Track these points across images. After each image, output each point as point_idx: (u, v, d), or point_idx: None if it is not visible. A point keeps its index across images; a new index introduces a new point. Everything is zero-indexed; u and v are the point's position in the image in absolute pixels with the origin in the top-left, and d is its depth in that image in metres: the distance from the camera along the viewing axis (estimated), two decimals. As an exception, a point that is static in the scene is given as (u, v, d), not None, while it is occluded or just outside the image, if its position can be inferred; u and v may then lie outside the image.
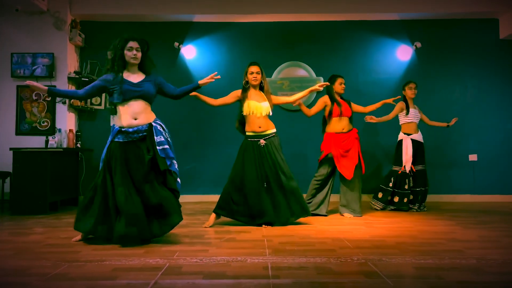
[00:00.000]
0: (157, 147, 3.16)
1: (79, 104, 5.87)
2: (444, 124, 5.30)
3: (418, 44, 6.08)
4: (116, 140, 3.21)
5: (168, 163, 3.21)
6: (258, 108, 3.93)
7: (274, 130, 4.03)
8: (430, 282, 2.14)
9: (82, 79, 5.83)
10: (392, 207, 4.98)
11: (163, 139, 3.21)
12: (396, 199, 4.96)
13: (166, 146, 3.21)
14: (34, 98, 5.78)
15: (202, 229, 3.77)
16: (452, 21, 6.21)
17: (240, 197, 3.93)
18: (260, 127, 3.95)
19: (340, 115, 4.52)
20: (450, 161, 6.12)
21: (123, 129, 3.20)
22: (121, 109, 3.24)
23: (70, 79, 5.83)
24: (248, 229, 3.76)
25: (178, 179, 3.33)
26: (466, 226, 3.85)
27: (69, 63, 5.87)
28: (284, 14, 6.05)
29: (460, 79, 6.19)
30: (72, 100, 5.80)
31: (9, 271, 2.40)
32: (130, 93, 3.18)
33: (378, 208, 5.02)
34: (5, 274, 2.34)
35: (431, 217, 4.45)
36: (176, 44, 6.11)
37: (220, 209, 3.99)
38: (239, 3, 5.96)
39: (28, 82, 3.16)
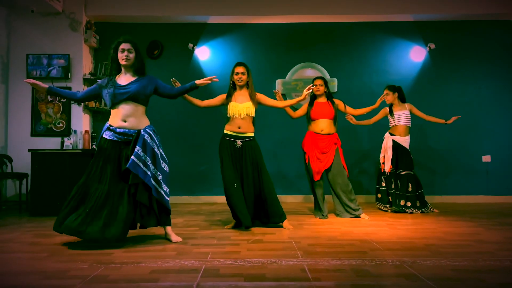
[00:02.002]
0: (131, 157, 3.10)
1: (94, 105, 5.87)
2: (442, 121, 5.13)
3: (432, 46, 6.10)
4: (104, 136, 3.24)
5: (142, 176, 3.11)
6: (238, 109, 3.86)
7: (252, 134, 3.95)
8: (472, 285, 2.16)
9: (97, 80, 5.83)
10: (393, 208, 4.92)
11: (139, 151, 3.12)
12: (390, 198, 4.96)
13: (136, 160, 3.09)
14: (50, 99, 5.79)
15: (226, 230, 3.78)
16: (466, 23, 6.23)
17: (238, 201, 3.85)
18: (239, 128, 3.87)
19: (313, 118, 4.51)
20: (463, 162, 6.13)
21: (111, 127, 3.21)
22: (112, 111, 3.25)
23: (85, 81, 5.84)
24: (271, 230, 3.77)
25: (161, 190, 3.20)
26: (489, 227, 3.87)
27: (84, 64, 5.89)
28: (298, 16, 6.06)
29: (474, 80, 6.21)
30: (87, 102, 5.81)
31: (49, 273, 2.40)
32: (118, 96, 3.17)
33: (384, 209, 5.01)
34: (46, 276, 2.34)
35: (450, 218, 4.46)
36: (191, 45, 6.13)
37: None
38: (253, 4, 5.97)
39: (27, 80, 3.17)
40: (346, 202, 4.49)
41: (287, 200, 5.98)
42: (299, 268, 2.48)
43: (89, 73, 5.88)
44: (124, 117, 3.19)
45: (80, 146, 5.63)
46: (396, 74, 6.24)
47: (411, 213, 4.83)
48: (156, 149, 3.24)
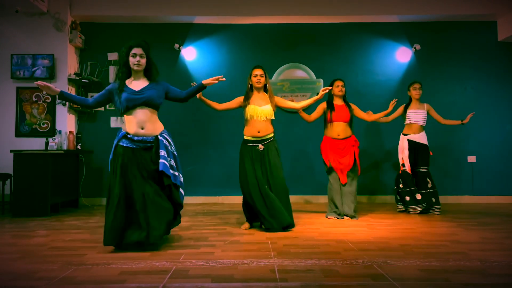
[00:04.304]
0: (160, 161, 3.10)
1: (78, 106, 5.84)
2: (458, 122, 5.17)
3: (417, 46, 6.12)
4: (121, 144, 3.18)
5: (172, 178, 3.15)
6: (258, 112, 3.90)
7: (272, 134, 3.99)
8: (437, 285, 2.17)
9: (82, 80, 5.82)
10: (413, 208, 4.87)
11: (165, 154, 3.15)
12: (407, 198, 4.91)
13: (166, 163, 3.12)
14: (34, 99, 5.77)
15: (206, 231, 3.78)
16: (451, 24, 6.26)
17: (252, 205, 3.89)
18: (259, 132, 3.90)
19: (331, 120, 4.56)
20: (449, 163, 6.16)
21: (129, 136, 3.17)
22: (127, 117, 3.21)
23: (70, 81, 5.82)
24: (251, 231, 3.78)
25: (181, 190, 3.29)
26: (468, 227, 3.88)
27: (69, 64, 5.86)
28: (284, 16, 6.07)
29: (459, 81, 6.24)
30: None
31: (17, 274, 2.40)
32: (133, 101, 3.14)
33: (402, 210, 5.00)
34: (14, 278, 2.34)
35: (432, 218, 4.48)
36: (177, 45, 6.12)
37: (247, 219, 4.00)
38: (239, 5, 5.97)
39: (38, 82, 3.04)
40: (352, 202, 4.50)
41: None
42: (269, 268, 2.48)
43: (74, 73, 5.85)
44: (140, 123, 3.16)
45: (65, 147, 5.61)
46: (382, 75, 6.26)
47: (426, 211, 4.87)
48: (175, 152, 3.30)
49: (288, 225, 3.77)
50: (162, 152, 3.15)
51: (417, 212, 4.84)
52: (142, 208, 3.04)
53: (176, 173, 3.22)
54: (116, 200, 3.04)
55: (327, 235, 3.56)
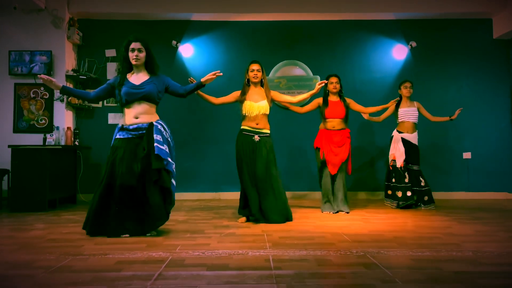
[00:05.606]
0: (154, 144, 3.15)
1: (77, 102, 5.88)
2: (447, 118, 5.23)
3: (413, 44, 6.15)
4: (118, 136, 3.30)
5: (165, 163, 3.19)
6: (254, 108, 3.97)
7: (269, 132, 4.07)
8: (428, 273, 2.20)
9: (80, 77, 5.83)
10: (402, 203, 4.88)
11: (161, 139, 3.20)
12: (399, 193, 4.93)
13: (162, 147, 3.17)
14: (32, 96, 5.78)
15: (202, 225, 3.81)
16: (447, 21, 6.30)
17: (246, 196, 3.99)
18: (257, 124, 3.99)
19: (325, 117, 4.60)
20: (444, 159, 6.20)
21: (124, 126, 3.29)
22: (126, 110, 3.32)
23: (68, 77, 5.84)
24: (247, 224, 3.82)
25: (173, 181, 3.32)
26: (462, 221, 3.92)
27: (67, 61, 5.88)
28: (281, 14, 6.10)
29: (455, 78, 6.28)
30: (70, 98, 5.81)
31: (15, 264, 2.43)
32: (131, 95, 3.24)
33: (393, 206, 4.99)
34: (11, 267, 2.37)
35: (427, 213, 4.52)
36: (174, 42, 6.14)
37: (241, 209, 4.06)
38: (237, 2, 5.99)
39: (42, 76, 3.19)
40: (342, 196, 4.55)
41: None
42: (264, 258, 2.52)
43: (72, 70, 5.87)
44: (136, 114, 3.27)
45: (63, 143, 5.63)
46: (378, 72, 6.30)
47: (419, 206, 4.94)
48: (169, 139, 3.34)
49: (274, 221, 3.85)
50: (157, 137, 3.19)
51: (403, 205, 4.89)
52: (130, 203, 3.18)
53: (170, 160, 3.25)
54: (100, 191, 3.18)
55: (322, 228, 3.60)
